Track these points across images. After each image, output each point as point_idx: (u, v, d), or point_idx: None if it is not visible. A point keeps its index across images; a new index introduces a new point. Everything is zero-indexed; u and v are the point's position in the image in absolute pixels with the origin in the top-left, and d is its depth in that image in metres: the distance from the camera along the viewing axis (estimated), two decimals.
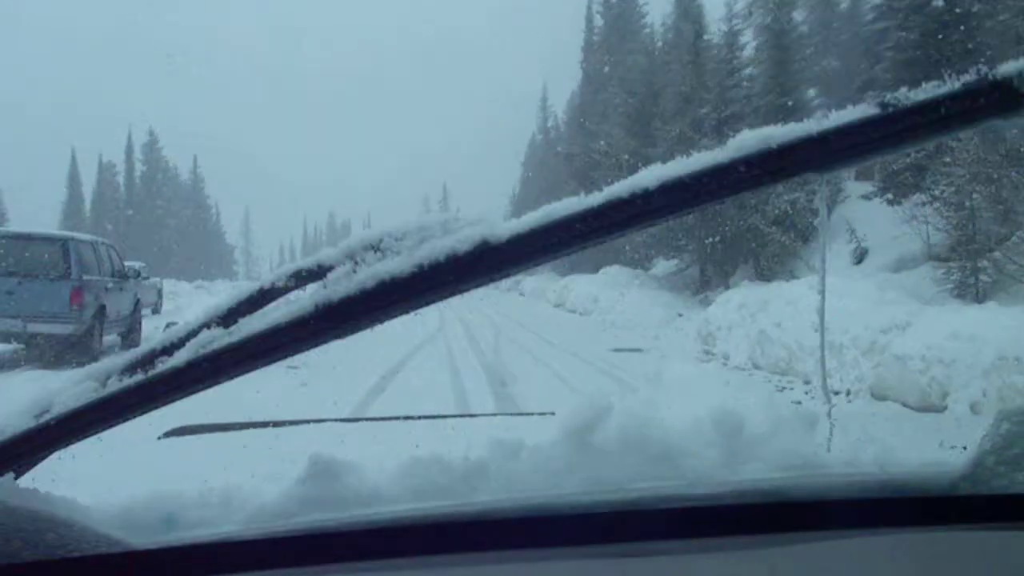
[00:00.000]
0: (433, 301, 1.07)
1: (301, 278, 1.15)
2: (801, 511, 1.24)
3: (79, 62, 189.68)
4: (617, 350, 16.24)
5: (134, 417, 1.09)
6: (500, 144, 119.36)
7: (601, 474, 1.31)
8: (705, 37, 31.94)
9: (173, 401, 1.07)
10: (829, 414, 1.45)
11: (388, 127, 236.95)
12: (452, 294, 1.07)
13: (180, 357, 1.07)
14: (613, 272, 30.71)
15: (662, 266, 35.70)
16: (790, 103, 26.44)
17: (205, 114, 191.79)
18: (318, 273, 1.12)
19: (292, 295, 1.13)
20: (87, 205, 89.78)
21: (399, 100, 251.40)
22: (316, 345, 1.06)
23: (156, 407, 1.08)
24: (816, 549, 1.14)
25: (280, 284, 1.16)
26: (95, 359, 13.68)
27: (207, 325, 1.12)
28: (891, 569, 1.15)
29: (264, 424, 2.85)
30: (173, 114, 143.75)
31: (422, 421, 3.26)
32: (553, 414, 2.42)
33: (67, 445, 1.09)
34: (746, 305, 14.25)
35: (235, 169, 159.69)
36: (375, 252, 1.11)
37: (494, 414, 4.18)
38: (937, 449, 2.08)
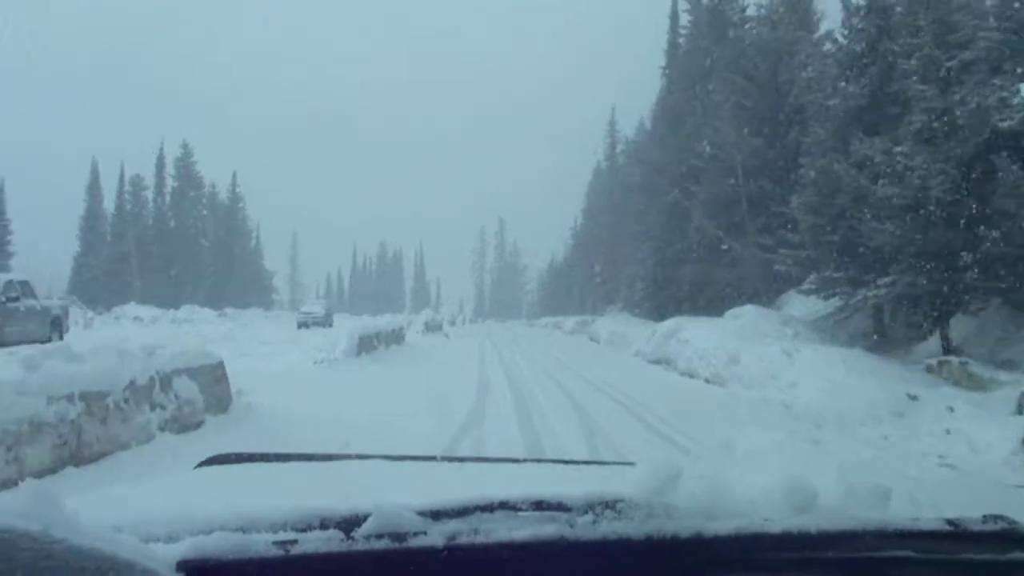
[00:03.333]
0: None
1: (541, 507, 1.31)
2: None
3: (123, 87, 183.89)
4: None
5: None
6: (560, 175, 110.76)
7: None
8: None
9: None
10: None
11: (442, 157, 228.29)
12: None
13: (435, 538, 1.20)
14: (750, 315, 20.23)
15: (798, 305, 25.42)
16: None
17: (257, 143, 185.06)
18: (557, 507, 1.31)
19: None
20: (108, 220, 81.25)
21: (454, 131, 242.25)
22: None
23: None
24: None
25: (522, 506, 1.31)
26: None
27: (468, 509, 1.29)
28: None
29: (308, 456, 2.39)
30: (223, 143, 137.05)
31: (488, 464, 2.65)
32: (633, 464, 1.80)
33: None
34: None
35: (283, 195, 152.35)
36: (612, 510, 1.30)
37: (567, 461, 2.71)
38: None
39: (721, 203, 29.66)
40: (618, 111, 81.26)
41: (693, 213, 30.71)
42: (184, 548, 1.16)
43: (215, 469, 2.20)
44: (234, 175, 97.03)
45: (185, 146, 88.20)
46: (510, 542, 1.21)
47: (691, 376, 18.06)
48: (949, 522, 1.39)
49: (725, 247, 28.67)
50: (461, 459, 2.65)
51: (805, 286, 21.50)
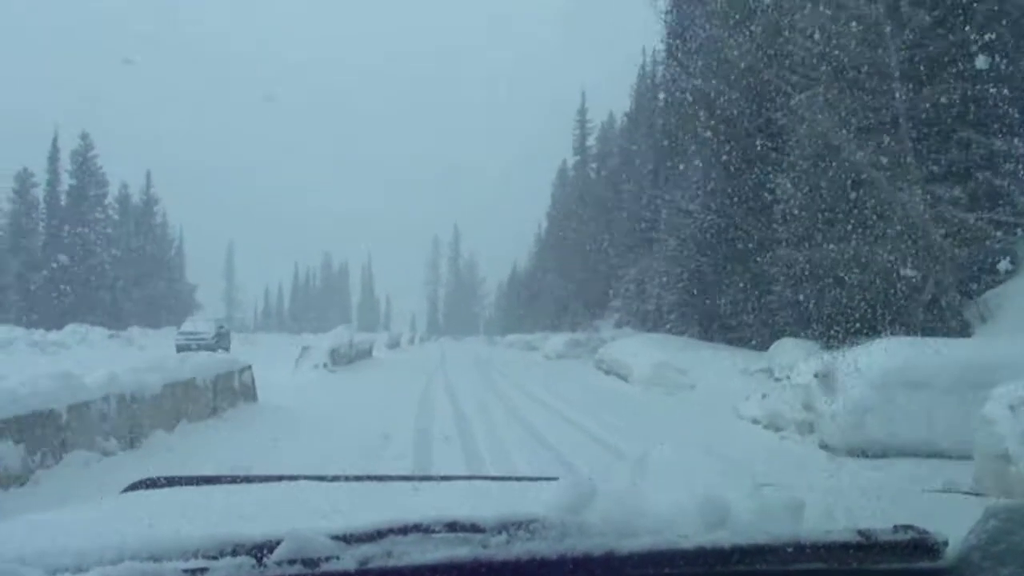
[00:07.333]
0: None
1: (454, 529, 1.28)
2: None
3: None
4: None
5: None
6: (519, 180, 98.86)
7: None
8: None
9: None
10: None
11: (394, 161, 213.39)
12: None
13: (347, 563, 1.19)
14: None
15: None
16: None
17: (187, 148, 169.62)
18: (471, 529, 1.28)
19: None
20: None
21: (406, 130, 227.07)
22: None
23: None
24: None
25: (436, 528, 1.28)
26: None
27: (381, 532, 1.27)
28: None
29: (238, 479, 2.42)
30: (148, 139, 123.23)
31: (410, 483, 2.65)
32: (556, 479, 1.74)
33: None
34: None
35: (215, 203, 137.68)
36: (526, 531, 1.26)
37: (485, 477, 3.25)
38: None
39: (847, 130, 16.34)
40: (588, 99, 68.64)
41: (807, 132, 16.96)
42: None
43: (140, 494, 2.11)
44: (148, 174, 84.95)
45: (85, 137, 74.94)
46: (423, 565, 1.19)
47: None
48: (860, 533, 1.36)
49: (874, 208, 15.31)
50: (387, 478, 2.60)
51: None
